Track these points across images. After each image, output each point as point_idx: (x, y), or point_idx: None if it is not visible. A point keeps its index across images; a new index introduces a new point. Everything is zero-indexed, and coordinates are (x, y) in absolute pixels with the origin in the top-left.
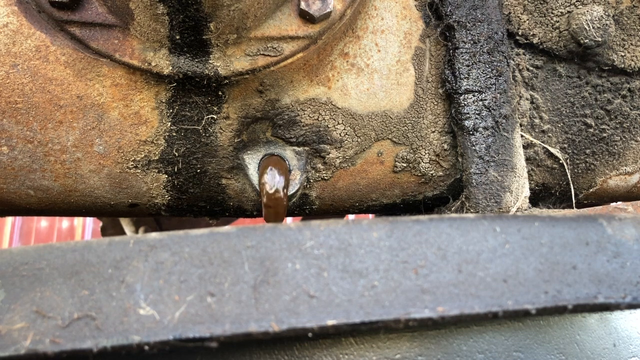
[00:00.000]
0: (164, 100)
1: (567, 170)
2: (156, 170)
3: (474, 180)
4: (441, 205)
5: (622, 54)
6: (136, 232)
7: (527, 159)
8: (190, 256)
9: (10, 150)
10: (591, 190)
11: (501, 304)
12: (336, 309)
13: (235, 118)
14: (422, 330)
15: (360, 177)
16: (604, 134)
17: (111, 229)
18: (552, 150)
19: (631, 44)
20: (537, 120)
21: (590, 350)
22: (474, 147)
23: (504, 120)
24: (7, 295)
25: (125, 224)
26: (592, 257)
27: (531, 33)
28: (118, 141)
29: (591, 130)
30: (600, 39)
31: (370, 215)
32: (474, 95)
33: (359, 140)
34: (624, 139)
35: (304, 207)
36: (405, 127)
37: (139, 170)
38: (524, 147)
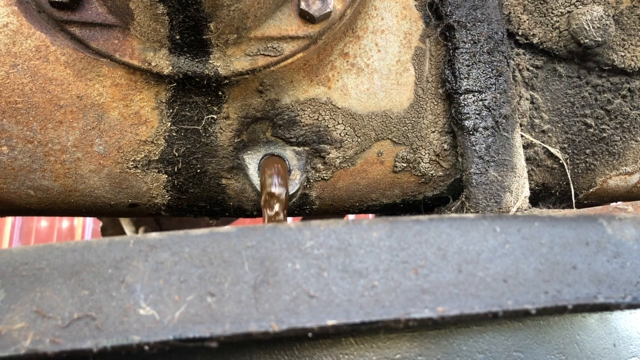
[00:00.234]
0: (164, 100)
1: (567, 170)
2: (156, 170)
3: (474, 180)
4: (441, 205)
5: (622, 54)
6: (136, 232)
7: (527, 159)
8: (190, 256)
9: (10, 150)
10: (591, 190)
11: (501, 304)
12: (336, 309)
13: (235, 118)
14: (422, 330)
15: (360, 177)
16: (604, 134)
17: (111, 229)
18: (552, 150)
19: (631, 44)
20: (537, 120)
21: (590, 350)
22: (474, 147)
23: (504, 120)
24: (7, 295)
25: (125, 224)
26: (592, 257)
27: (531, 33)
28: (118, 141)
29: (591, 130)
30: (600, 39)
31: (370, 215)
32: (474, 95)
33: (359, 140)
34: (624, 139)
35: (304, 207)
36: (405, 127)
37: (139, 170)
38: (524, 147)
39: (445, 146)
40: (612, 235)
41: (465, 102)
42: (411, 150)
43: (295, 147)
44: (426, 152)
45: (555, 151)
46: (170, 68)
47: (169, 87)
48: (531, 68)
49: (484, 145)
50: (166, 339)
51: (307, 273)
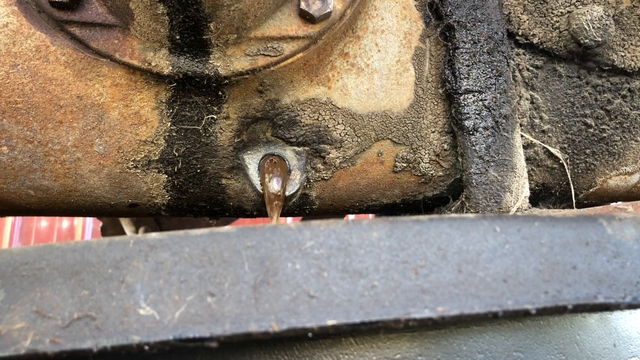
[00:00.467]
0: (164, 100)
1: (567, 170)
2: (156, 170)
3: (474, 180)
4: (441, 205)
5: (622, 54)
6: (136, 232)
7: (527, 159)
8: (190, 256)
9: (10, 150)
10: (591, 190)
11: (501, 304)
12: (336, 309)
13: (235, 118)
14: (422, 330)
15: (360, 177)
16: (604, 134)
17: (111, 229)
18: (552, 150)
19: (631, 44)
20: (537, 120)
21: (590, 350)
22: (474, 147)
23: (504, 120)
24: (7, 295)
25: (125, 224)
26: (592, 257)
27: (531, 33)
28: (118, 141)
29: (591, 130)
30: (600, 39)
31: (370, 215)
32: (474, 95)
33: (359, 140)
34: (624, 139)
35: (304, 207)
36: (405, 127)
37: (139, 170)
38: (524, 147)
39: (445, 146)
40: (612, 235)
41: (465, 102)
42: (411, 150)
43: (295, 147)
44: (426, 152)
45: (555, 151)
46: (170, 68)
47: (169, 87)
48: (531, 68)
49: (484, 145)
50: (166, 339)
51: (307, 273)
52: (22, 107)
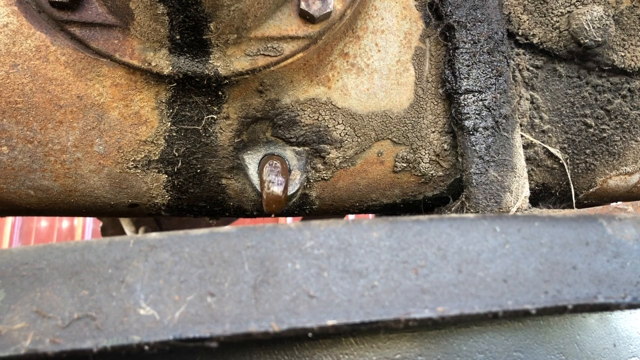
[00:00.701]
0: (164, 100)
1: (567, 170)
2: (156, 170)
3: (474, 180)
4: (441, 205)
5: (622, 54)
6: (136, 232)
7: (527, 159)
8: (190, 256)
9: (10, 150)
10: (591, 190)
11: (501, 304)
12: (336, 309)
13: (235, 118)
14: (422, 330)
15: (360, 177)
16: (604, 134)
17: (111, 229)
18: (552, 150)
19: (631, 44)
20: (537, 120)
21: (590, 350)
22: (474, 147)
23: (504, 120)
24: (7, 295)
25: (125, 224)
26: (592, 257)
27: (531, 33)
28: (118, 141)
29: (591, 130)
30: (600, 39)
31: (370, 215)
32: (474, 95)
33: (359, 140)
34: (624, 139)
35: (304, 207)
36: (405, 127)
37: (139, 170)
38: (524, 147)
39: (445, 146)
40: (612, 235)
41: (465, 102)
42: (411, 150)
43: (295, 147)
44: (426, 152)
45: (555, 151)
46: (170, 68)
47: (169, 87)
48: (531, 68)
49: (484, 145)
50: (166, 339)
51: (307, 273)
52: (22, 107)
